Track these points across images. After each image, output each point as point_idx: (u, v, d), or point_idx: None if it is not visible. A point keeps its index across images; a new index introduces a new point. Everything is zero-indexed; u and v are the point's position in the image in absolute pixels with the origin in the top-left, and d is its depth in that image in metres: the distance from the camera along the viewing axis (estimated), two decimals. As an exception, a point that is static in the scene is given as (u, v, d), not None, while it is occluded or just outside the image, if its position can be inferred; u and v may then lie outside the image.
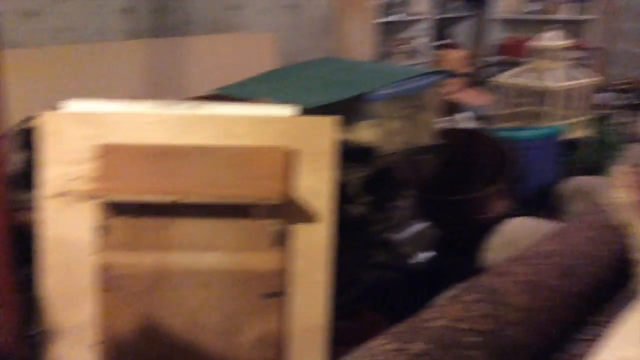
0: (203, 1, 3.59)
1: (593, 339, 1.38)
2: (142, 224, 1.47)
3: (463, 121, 3.42)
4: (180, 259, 1.50)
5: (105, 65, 2.93)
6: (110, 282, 1.49)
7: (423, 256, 2.05)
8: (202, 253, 1.50)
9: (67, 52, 2.79)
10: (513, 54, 5.35)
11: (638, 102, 4.60)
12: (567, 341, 1.59)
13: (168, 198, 1.45)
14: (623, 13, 5.08)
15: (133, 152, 1.46)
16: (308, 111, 1.61)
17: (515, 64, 3.70)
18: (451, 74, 3.11)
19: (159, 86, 3.23)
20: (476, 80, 5.21)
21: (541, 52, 3.42)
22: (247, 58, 3.49)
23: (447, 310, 1.28)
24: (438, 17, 5.38)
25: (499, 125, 3.35)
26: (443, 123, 3.36)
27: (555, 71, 3.33)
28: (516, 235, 2.20)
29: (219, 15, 3.72)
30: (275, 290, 1.50)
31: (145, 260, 1.48)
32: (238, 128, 1.54)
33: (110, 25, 3.09)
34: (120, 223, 1.46)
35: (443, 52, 5.16)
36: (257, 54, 3.50)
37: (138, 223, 1.47)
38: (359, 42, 4.48)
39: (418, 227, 2.13)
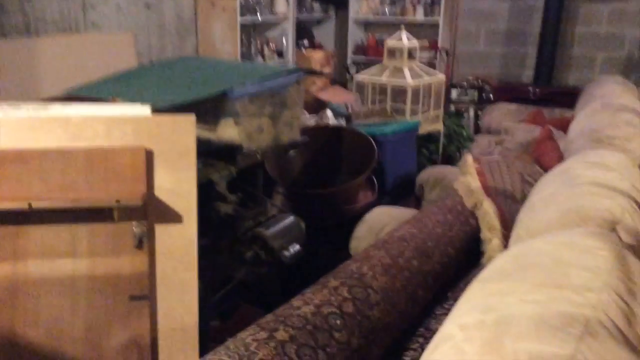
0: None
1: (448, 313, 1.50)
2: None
3: (328, 118, 3.52)
4: (38, 267, 1.41)
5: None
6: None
7: (295, 249, 2.10)
8: (62, 259, 1.42)
9: None
10: (372, 53, 5.62)
11: (483, 98, 5.03)
12: (428, 317, 1.71)
13: (18, 205, 1.36)
14: (465, 15, 5.52)
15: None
16: (166, 110, 1.57)
17: (375, 63, 3.88)
18: (313, 73, 3.20)
19: (7, 90, 2.99)
20: (339, 79, 5.39)
21: (395, 52, 3.62)
22: (104, 58, 3.33)
23: (312, 296, 1.32)
24: (300, 17, 5.50)
25: (362, 121, 3.50)
26: (309, 120, 3.45)
27: (408, 70, 3.54)
28: (379, 223, 2.32)
29: (72, 14, 3.52)
30: (141, 293, 1.45)
31: (-3, 272, 1.37)
32: (92, 129, 1.48)
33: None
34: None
35: (306, 51, 5.28)
36: (115, 54, 3.36)
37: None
38: (222, 41, 4.46)
39: (289, 221, 2.17)
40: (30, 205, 1.39)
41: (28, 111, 1.49)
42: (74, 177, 1.45)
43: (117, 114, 1.51)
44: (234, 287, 1.94)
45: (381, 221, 2.31)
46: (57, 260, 1.44)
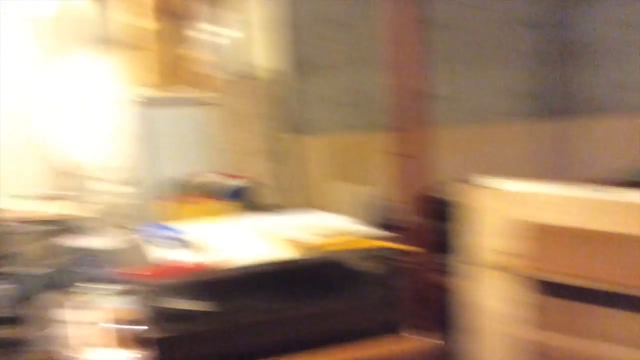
0: (599, 83, 3.48)
1: None
2: (574, 308, 1.46)
3: None
4: (610, 352, 1.43)
5: (507, 143, 3.15)
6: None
7: None
8: (636, 350, 1.40)
9: (475, 131, 3.17)
10: None
11: None
12: None
13: (602, 285, 1.41)
14: None
15: (566, 233, 1.48)
16: None
17: None
18: None
19: (548, 166, 3.25)
20: None
21: None
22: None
23: None
24: None
25: None
26: None
27: None
28: None
29: (613, 95, 3.54)
30: None
31: (574, 345, 1.46)
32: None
33: (514, 107, 3.30)
34: (550, 303, 1.48)
35: None
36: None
37: (570, 306, 1.46)
38: None
39: None
40: (612, 288, 1.40)
41: (601, 194, 1.54)
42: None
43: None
44: None
45: None
46: (631, 349, 1.41)
